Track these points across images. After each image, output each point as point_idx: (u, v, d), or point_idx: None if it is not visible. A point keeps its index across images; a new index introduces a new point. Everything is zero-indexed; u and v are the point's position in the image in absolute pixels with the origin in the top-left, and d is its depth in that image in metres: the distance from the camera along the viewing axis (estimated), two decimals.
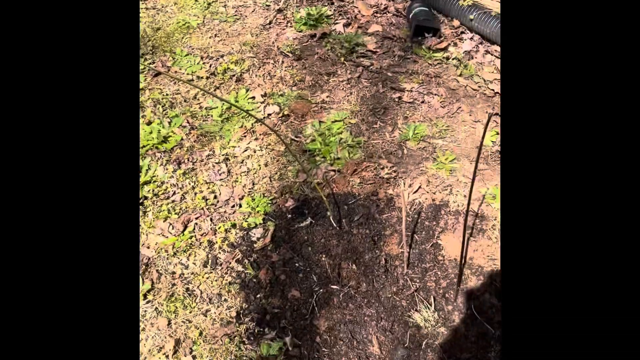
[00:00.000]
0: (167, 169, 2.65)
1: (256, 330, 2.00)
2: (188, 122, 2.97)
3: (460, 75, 3.26)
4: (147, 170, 2.64)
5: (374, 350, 1.90)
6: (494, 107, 2.98)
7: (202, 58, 3.46)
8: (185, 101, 3.14)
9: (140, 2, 4.02)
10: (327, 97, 3.14)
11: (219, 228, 2.38)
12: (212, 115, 3.02)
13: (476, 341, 1.91)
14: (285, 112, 3.02)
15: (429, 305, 2.00)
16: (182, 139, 2.86)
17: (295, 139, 2.85)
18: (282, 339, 1.95)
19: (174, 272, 2.21)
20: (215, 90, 3.23)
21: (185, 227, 2.39)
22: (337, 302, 2.06)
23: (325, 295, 2.09)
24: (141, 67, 3.33)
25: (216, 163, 2.71)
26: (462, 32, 3.54)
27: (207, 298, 2.12)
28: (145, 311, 2.08)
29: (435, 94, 3.11)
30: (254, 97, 3.13)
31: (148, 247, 2.31)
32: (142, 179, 2.59)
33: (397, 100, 3.09)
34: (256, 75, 3.33)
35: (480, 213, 2.36)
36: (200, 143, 2.84)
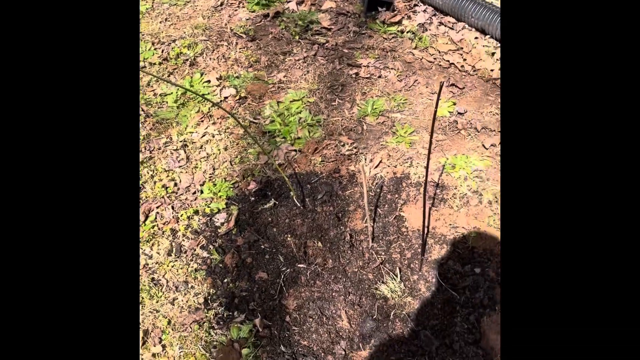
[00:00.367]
0: None
1: (225, 315, 1.99)
2: (143, 110, 2.89)
3: (415, 48, 3.27)
4: None
5: (343, 324, 1.93)
6: (450, 77, 3.01)
7: (153, 44, 3.37)
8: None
9: None
10: (284, 76, 3.11)
11: (181, 216, 2.34)
12: (167, 102, 2.95)
13: (442, 308, 1.95)
14: (242, 94, 2.98)
15: (395, 277, 2.03)
16: None
17: (254, 121, 2.82)
18: (251, 321, 1.95)
19: None
20: (168, 75, 3.15)
21: (147, 216, 2.35)
22: (305, 280, 2.07)
23: (292, 275, 2.10)
24: None
25: (174, 150, 2.66)
26: (415, 5, 3.54)
27: (174, 286, 2.10)
28: None
29: (392, 68, 3.11)
30: (209, 81, 3.07)
31: None
32: None
33: (354, 76, 3.08)
34: (210, 59, 3.26)
35: (441, 183, 2.39)
36: (156, 131, 2.78)
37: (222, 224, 2.32)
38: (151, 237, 2.26)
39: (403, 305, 1.96)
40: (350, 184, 2.44)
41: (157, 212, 2.36)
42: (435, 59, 3.18)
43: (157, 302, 2.04)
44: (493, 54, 3.09)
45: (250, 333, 1.92)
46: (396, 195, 2.35)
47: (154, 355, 1.90)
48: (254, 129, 2.77)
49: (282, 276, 2.09)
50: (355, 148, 2.62)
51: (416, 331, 1.89)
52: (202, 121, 2.83)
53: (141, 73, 3.11)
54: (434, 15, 3.45)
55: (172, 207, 2.38)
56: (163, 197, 2.43)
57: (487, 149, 2.56)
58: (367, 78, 3.06)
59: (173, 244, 2.24)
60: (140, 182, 2.49)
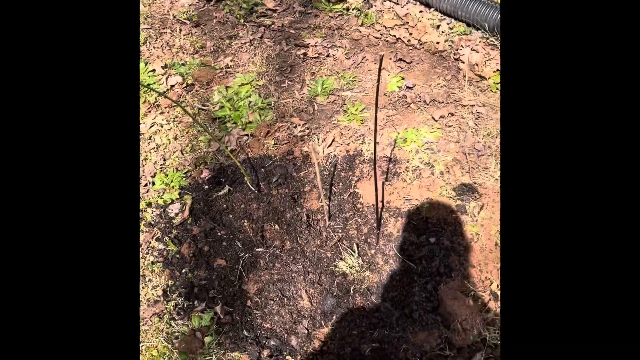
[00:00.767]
0: None
1: (185, 305, 1.97)
2: None
3: (362, 25, 3.27)
4: None
5: (304, 304, 1.94)
6: (397, 52, 3.02)
7: None
8: None
9: None
10: (231, 61, 3.06)
11: None
12: None
13: (401, 279, 1.99)
14: (189, 82, 2.92)
15: (352, 253, 2.05)
16: None
17: (203, 107, 2.76)
18: (212, 309, 1.94)
19: None
20: None
21: None
22: (264, 264, 2.07)
23: (251, 260, 2.09)
24: None
25: None
26: None
27: None
28: None
29: (340, 47, 3.10)
30: (154, 70, 2.98)
31: None
32: None
33: (302, 56, 3.06)
34: (154, 47, 3.17)
35: (393, 157, 2.42)
36: None
37: (177, 214, 2.28)
38: None
39: (362, 279, 1.99)
40: (305, 165, 2.44)
41: None
42: (382, 34, 3.19)
43: None
44: (438, 26, 3.12)
45: (212, 321, 1.91)
46: (350, 173, 2.37)
47: None
48: (203, 116, 2.72)
49: (241, 262, 2.08)
50: (308, 129, 2.61)
51: (376, 304, 1.92)
52: (150, 112, 2.76)
53: None
54: None
55: None
56: None
57: (436, 121, 2.60)
58: (315, 58, 3.05)
59: None
60: None
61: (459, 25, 3.09)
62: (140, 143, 2.58)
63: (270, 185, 2.35)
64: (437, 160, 2.38)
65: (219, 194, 2.34)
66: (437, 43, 3.04)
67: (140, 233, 2.20)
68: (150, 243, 2.16)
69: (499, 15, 2.83)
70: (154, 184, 2.40)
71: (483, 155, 2.40)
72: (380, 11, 3.33)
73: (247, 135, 2.59)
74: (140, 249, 2.15)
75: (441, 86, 2.80)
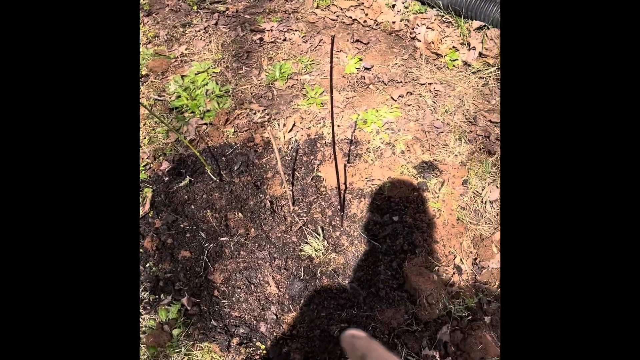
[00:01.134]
0: None
1: (151, 299, 1.94)
2: None
3: (317, 7, 3.24)
4: None
5: (271, 290, 1.93)
6: (354, 34, 3.01)
7: None
8: None
9: None
10: (186, 49, 2.99)
11: None
12: None
13: (366, 259, 2.01)
14: (144, 72, 2.84)
15: (317, 236, 2.06)
16: None
17: (159, 98, 2.70)
18: (179, 301, 1.91)
19: None
20: None
21: None
22: (229, 252, 2.05)
23: (216, 249, 2.07)
24: None
25: None
26: None
27: None
28: None
29: (296, 30, 3.07)
30: None
31: None
32: None
33: (258, 42, 3.02)
34: None
35: (355, 139, 2.42)
36: None
37: None
38: None
39: (328, 262, 2.00)
40: (266, 151, 2.42)
41: None
42: (337, 16, 3.17)
43: None
44: (393, 5, 3.12)
45: (179, 313, 1.89)
46: (312, 157, 2.36)
47: None
48: (160, 107, 2.66)
49: (206, 252, 2.06)
50: (268, 114, 2.58)
51: (343, 285, 1.93)
52: None
53: None
54: None
55: None
56: None
57: (395, 100, 2.61)
58: (272, 42, 3.01)
59: None
60: None
61: (414, 4, 3.10)
62: None
63: (232, 173, 2.33)
64: (398, 140, 2.40)
65: (180, 185, 2.30)
66: (393, 23, 3.04)
67: None
68: None
69: None
70: None
71: (442, 132, 2.43)
72: None
73: (205, 124, 2.55)
74: None
75: (399, 66, 2.81)
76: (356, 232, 2.07)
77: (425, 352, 1.74)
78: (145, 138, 2.51)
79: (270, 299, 1.92)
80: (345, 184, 2.24)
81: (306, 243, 2.04)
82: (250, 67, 2.87)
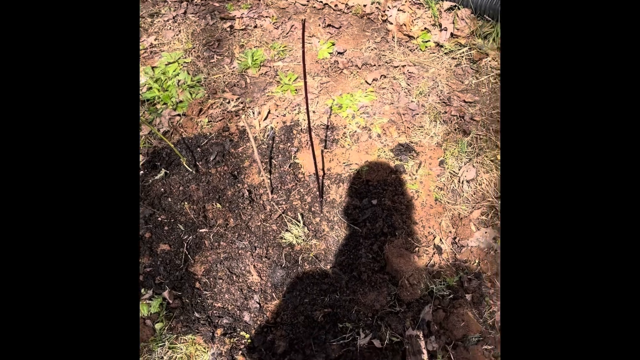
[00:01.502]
0: None
1: None
2: None
3: None
4: None
5: (253, 279, 1.93)
6: (325, 18, 2.99)
7: None
8: None
9: None
10: (155, 40, 2.92)
11: None
12: None
13: (347, 243, 2.01)
14: None
15: (297, 223, 2.05)
16: None
17: None
18: (160, 295, 1.89)
19: None
20: None
21: None
22: (209, 244, 2.03)
23: (195, 241, 2.05)
24: None
25: None
26: None
27: None
28: None
29: (267, 16, 3.03)
30: None
31: None
32: None
33: (229, 29, 2.97)
34: None
35: (331, 124, 2.41)
36: None
37: None
38: None
39: (309, 248, 1.99)
40: (242, 141, 2.39)
41: None
42: (308, 1, 3.14)
43: None
44: None
45: (161, 307, 1.87)
46: (289, 144, 2.35)
47: None
48: None
49: (185, 244, 2.04)
50: (242, 103, 2.55)
51: (325, 270, 1.93)
52: None
53: None
54: None
55: None
56: None
57: (369, 84, 2.61)
58: (242, 30, 2.96)
59: None
60: None
61: None
62: None
63: (208, 164, 2.30)
64: (374, 123, 2.39)
65: (155, 178, 2.26)
66: (364, 6, 3.02)
67: None
68: None
69: None
70: None
71: (417, 114, 2.43)
72: None
73: (179, 115, 2.51)
74: None
75: (372, 49, 2.80)
76: (336, 217, 2.07)
77: (409, 332, 1.76)
78: None
79: (252, 288, 1.91)
80: (323, 169, 2.23)
81: (286, 230, 2.03)
82: (221, 55, 2.83)
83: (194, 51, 2.83)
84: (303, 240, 2.00)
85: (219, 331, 1.81)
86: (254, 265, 1.96)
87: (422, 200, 2.10)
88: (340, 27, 2.94)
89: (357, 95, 2.53)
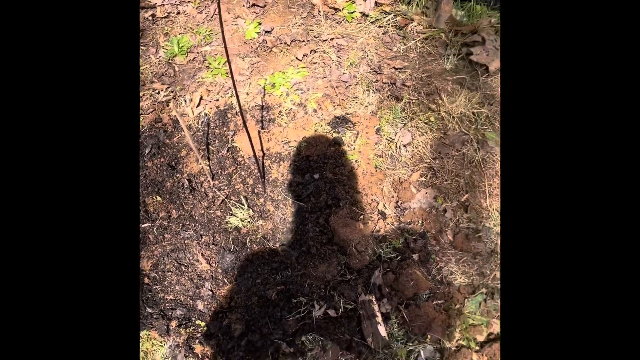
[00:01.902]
0: None
1: None
2: None
3: None
4: None
5: (203, 267, 1.91)
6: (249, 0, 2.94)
7: None
8: None
9: None
10: None
11: None
12: None
13: (294, 220, 2.02)
14: None
15: (242, 206, 2.04)
16: None
17: None
18: None
19: None
20: None
21: None
22: (153, 238, 1.99)
23: (139, 237, 2.00)
24: None
25: None
26: None
27: None
28: None
29: (189, 1, 2.95)
30: None
31: None
32: None
33: (151, 18, 2.87)
34: None
35: (265, 104, 2.39)
36: None
37: None
38: None
39: (256, 229, 1.99)
40: (176, 130, 2.34)
41: None
42: None
43: None
44: None
45: None
46: (225, 128, 2.31)
47: None
48: None
49: None
50: (172, 92, 2.49)
51: (274, 249, 1.94)
52: None
53: None
54: None
55: None
56: None
57: (300, 60, 2.60)
58: (165, 17, 2.87)
59: None
60: None
61: None
62: None
63: (144, 157, 2.24)
64: (308, 99, 2.40)
65: None
66: None
67: None
68: None
69: None
70: None
71: (350, 85, 2.45)
72: None
73: None
74: None
75: (299, 25, 2.78)
76: (280, 196, 2.08)
77: (361, 298, 1.80)
78: None
79: (203, 276, 1.89)
80: (262, 150, 2.22)
81: (231, 215, 2.02)
82: (146, 45, 2.73)
83: None
84: (249, 222, 2.00)
85: (173, 323, 1.79)
86: (201, 253, 1.94)
87: (363, 169, 2.13)
88: (265, 5, 2.90)
89: (289, 72, 2.52)
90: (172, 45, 2.68)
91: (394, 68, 2.50)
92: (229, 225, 1.99)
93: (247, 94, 2.45)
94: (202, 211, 2.04)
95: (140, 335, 1.77)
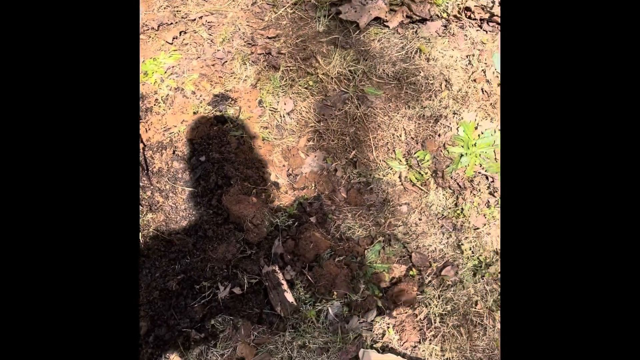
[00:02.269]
0: None
1: None
2: None
3: None
4: None
5: None
6: None
7: None
8: None
9: None
10: None
11: None
12: None
13: (186, 207, 1.97)
14: None
15: None
16: None
17: None
18: None
19: None
20: None
21: None
22: None
23: None
24: None
25: None
26: None
27: None
28: None
29: None
30: None
31: None
32: None
33: None
34: None
35: (140, 94, 2.29)
36: None
37: None
38: None
39: (147, 224, 1.92)
40: None
41: None
42: None
43: None
44: None
45: None
46: None
47: None
48: None
49: None
50: None
51: (170, 239, 1.88)
52: None
53: None
54: None
55: None
56: None
57: (171, 43, 2.50)
58: None
59: None
60: None
61: None
62: None
63: None
64: (185, 82, 2.32)
65: None
66: None
67: None
68: None
69: None
70: None
71: (226, 61, 2.40)
72: None
73: None
74: None
75: (164, 7, 2.67)
76: (167, 186, 2.01)
77: (265, 270, 1.80)
78: None
79: None
80: (142, 142, 2.13)
81: None
82: None
83: None
84: (138, 217, 1.92)
85: None
86: None
87: (249, 144, 2.11)
88: None
89: (160, 58, 2.42)
90: None
91: (268, 38, 2.47)
92: None
93: None
94: None
95: None
